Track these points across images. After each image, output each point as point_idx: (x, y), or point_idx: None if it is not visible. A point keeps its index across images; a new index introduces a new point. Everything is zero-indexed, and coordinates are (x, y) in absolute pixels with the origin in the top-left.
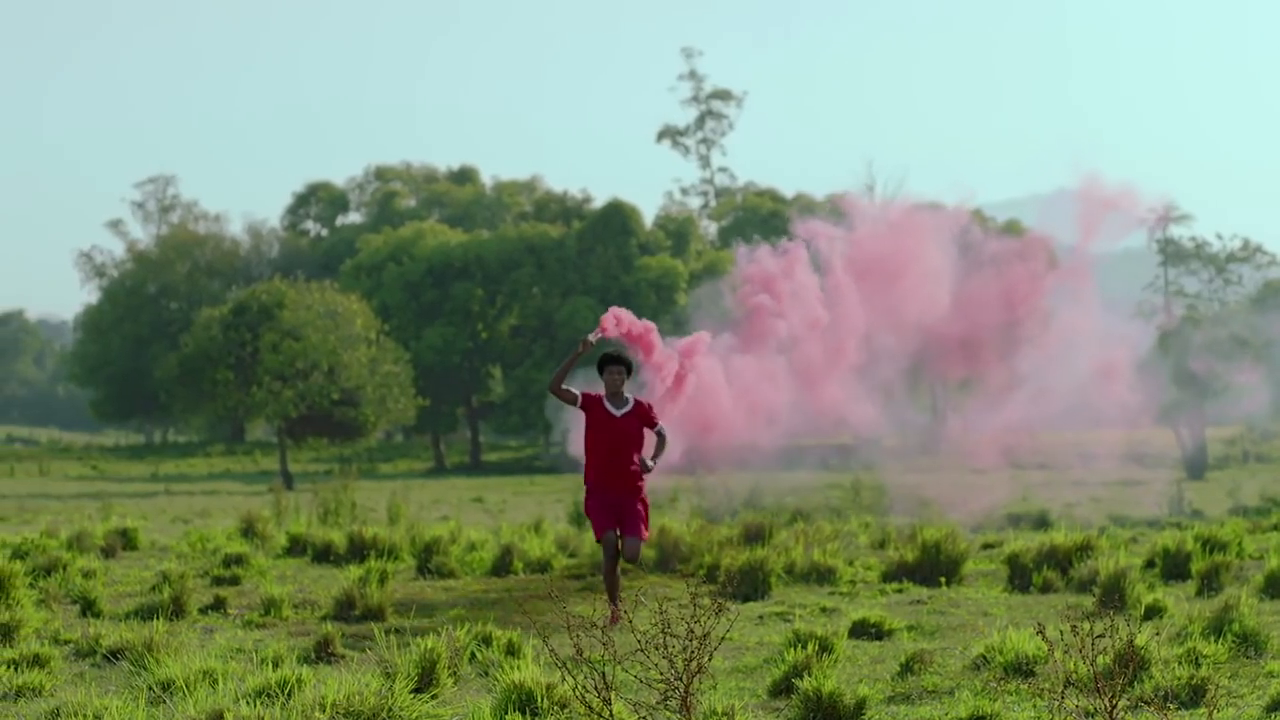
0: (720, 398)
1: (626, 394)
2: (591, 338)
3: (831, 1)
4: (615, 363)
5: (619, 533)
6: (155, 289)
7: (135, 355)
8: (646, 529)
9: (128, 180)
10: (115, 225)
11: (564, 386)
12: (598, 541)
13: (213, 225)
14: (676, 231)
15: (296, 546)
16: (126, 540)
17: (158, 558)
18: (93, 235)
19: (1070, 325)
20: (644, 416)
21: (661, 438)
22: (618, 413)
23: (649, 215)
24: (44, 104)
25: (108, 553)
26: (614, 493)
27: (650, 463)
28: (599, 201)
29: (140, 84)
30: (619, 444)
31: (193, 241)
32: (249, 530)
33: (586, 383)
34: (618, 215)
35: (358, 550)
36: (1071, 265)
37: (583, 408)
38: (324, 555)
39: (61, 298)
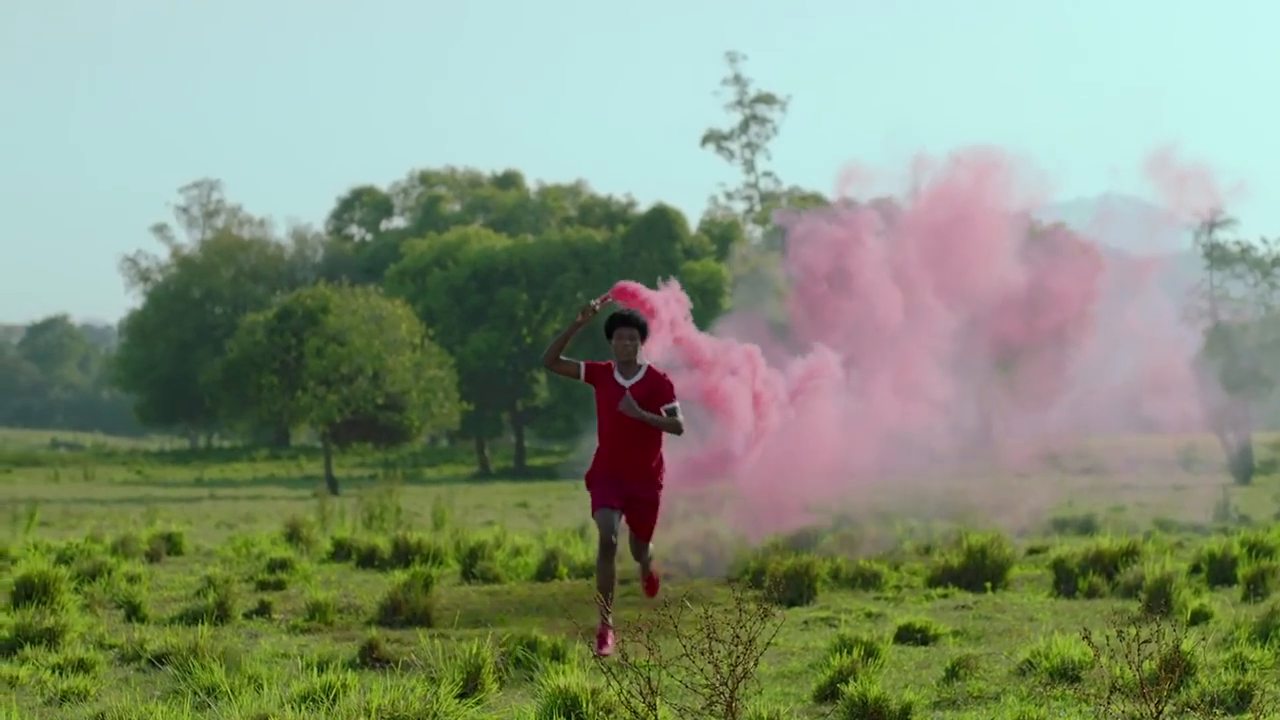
0: (827, 443)
1: (640, 361)
2: (596, 304)
3: (878, 7)
4: (625, 324)
5: (626, 526)
6: (200, 293)
7: (180, 360)
8: (653, 528)
9: (172, 185)
10: (160, 230)
11: (562, 358)
12: (593, 515)
13: (257, 230)
14: (721, 236)
15: (341, 551)
16: (171, 545)
17: (202, 562)
18: (137, 240)
19: (1125, 325)
20: (656, 388)
21: (672, 417)
22: (626, 382)
23: (693, 219)
24: (88, 108)
25: (152, 557)
26: (626, 483)
27: (636, 409)
28: (643, 206)
29: (183, 88)
30: (630, 421)
31: (237, 246)
32: (294, 535)
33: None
34: (662, 220)
35: (402, 555)
36: (1137, 260)
37: (589, 379)
38: (369, 560)
39: (106, 302)
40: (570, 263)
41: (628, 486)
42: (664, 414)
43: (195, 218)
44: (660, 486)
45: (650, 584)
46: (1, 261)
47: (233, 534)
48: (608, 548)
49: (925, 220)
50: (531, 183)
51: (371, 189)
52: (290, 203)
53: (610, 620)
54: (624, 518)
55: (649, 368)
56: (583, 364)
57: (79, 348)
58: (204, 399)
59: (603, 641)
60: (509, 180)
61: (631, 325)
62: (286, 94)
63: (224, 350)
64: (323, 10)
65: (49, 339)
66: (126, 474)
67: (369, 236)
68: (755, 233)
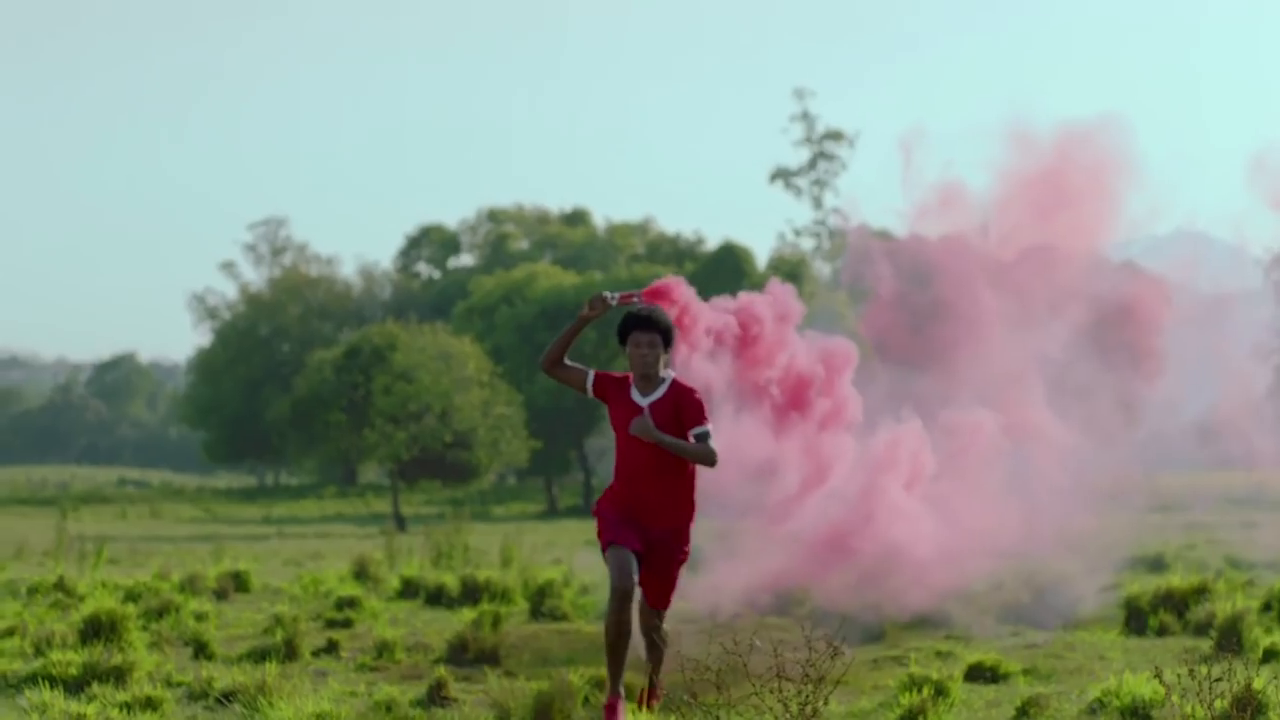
0: (977, 522)
1: (663, 373)
2: (611, 297)
3: (945, 41)
4: (643, 327)
5: (640, 591)
6: (267, 331)
7: (247, 397)
8: (672, 594)
9: (239, 222)
10: (228, 267)
11: (566, 362)
12: (604, 554)
13: (325, 267)
14: (790, 273)
15: (409, 589)
16: (239, 583)
17: (270, 600)
18: (205, 277)
19: (1197, 361)
20: (682, 407)
21: (703, 445)
22: (644, 399)
23: (762, 257)
24: (155, 148)
25: (220, 595)
26: (647, 525)
27: (654, 432)
28: (712, 243)
29: (251, 126)
30: (653, 449)
31: (305, 284)
32: (361, 573)
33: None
34: (730, 257)
35: (470, 593)
36: (1212, 296)
37: (598, 393)
38: (437, 598)
39: (173, 340)
40: None
41: (649, 531)
42: (692, 439)
43: (262, 255)
44: (688, 538)
45: (651, 692)
46: (70, 300)
47: (300, 572)
48: (623, 596)
49: (1025, 206)
50: (599, 220)
51: (439, 226)
52: (357, 240)
53: (622, 687)
54: (644, 573)
55: (673, 381)
56: (592, 373)
57: (147, 385)
58: (271, 437)
59: (612, 713)
60: (577, 217)
61: (651, 329)
62: (353, 131)
63: (291, 388)
64: (389, 48)
65: (117, 377)
66: (194, 511)
67: (437, 274)
68: (824, 270)
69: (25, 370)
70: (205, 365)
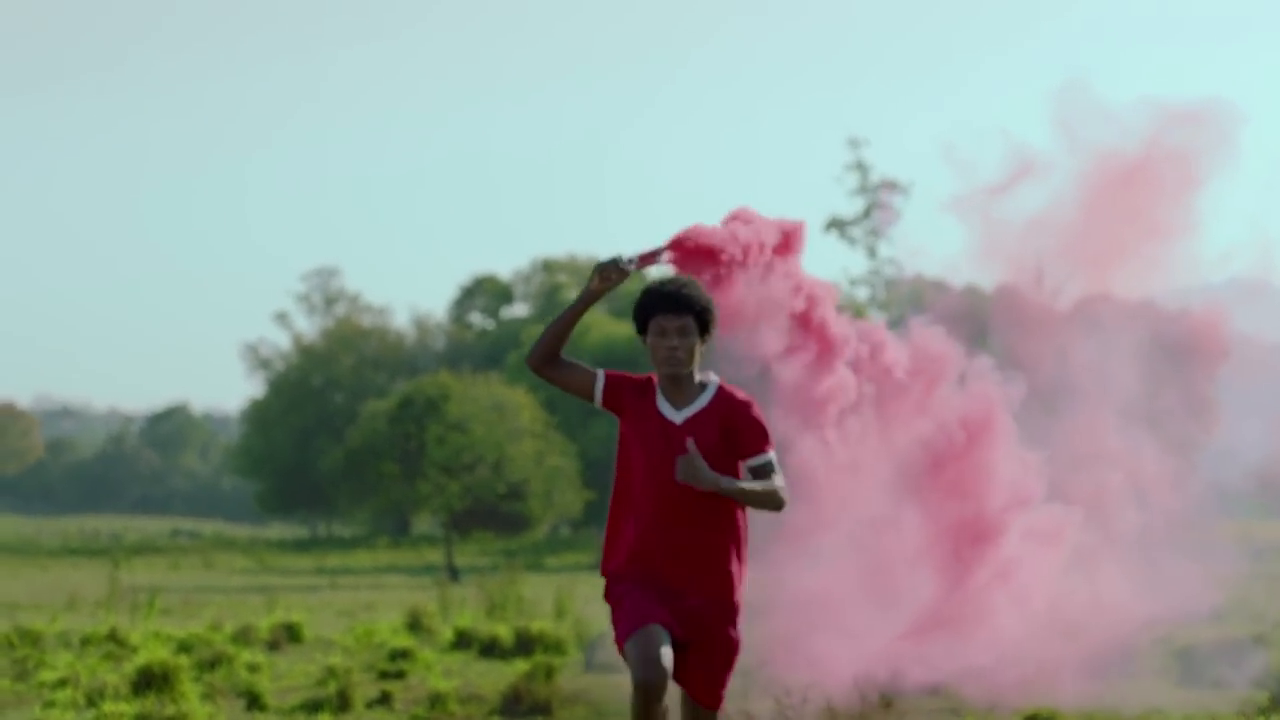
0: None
1: (700, 375)
2: (628, 261)
3: (1001, 89)
4: (670, 308)
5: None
6: (320, 382)
7: (300, 448)
8: (724, 688)
9: (292, 272)
10: (281, 318)
11: (564, 358)
12: (620, 650)
13: (377, 318)
14: None
15: (462, 640)
16: (292, 634)
17: (323, 651)
18: (257, 327)
19: (1253, 409)
20: (733, 425)
21: (768, 484)
22: (678, 416)
23: None
24: (208, 199)
25: (273, 646)
26: (678, 591)
27: (710, 475)
28: None
29: (303, 177)
30: (684, 484)
31: (358, 334)
32: (415, 624)
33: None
34: None
35: (524, 644)
36: (1266, 343)
37: (610, 403)
38: (490, 649)
39: (226, 391)
40: None
41: (680, 601)
42: (746, 474)
43: (315, 305)
44: (737, 612)
45: None
46: (123, 350)
47: (353, 623)
48: (650, 692)
49: (1105, 192)
50: (653, 270)
51: (492, 277)
52: (410, 290)
53: None
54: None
55: (719, 388)
56: (601, 375)
57: (199, 436)
58: (324, 487)
59: None
60: None
61: (682, 310)
62: (406, 182)
63: (344, 438)
64: (440, 98)
65: (169, 427)
66: (246, 562)
67: (490, 324)
68: (879, 320)
69: (78, 420)
70: (258, 416)
